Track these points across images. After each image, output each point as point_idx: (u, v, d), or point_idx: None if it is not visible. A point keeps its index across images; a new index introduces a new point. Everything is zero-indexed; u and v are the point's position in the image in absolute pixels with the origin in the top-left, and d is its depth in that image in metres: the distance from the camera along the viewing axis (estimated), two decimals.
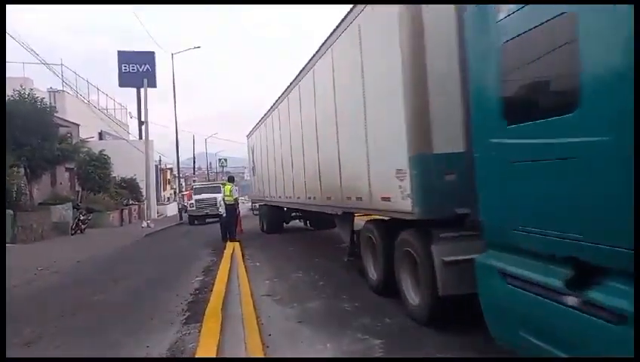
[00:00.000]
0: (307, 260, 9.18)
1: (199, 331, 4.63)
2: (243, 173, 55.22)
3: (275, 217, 14.88)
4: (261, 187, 16.06)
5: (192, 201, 25.49)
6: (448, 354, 3.86)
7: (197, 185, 29.89)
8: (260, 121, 15.67)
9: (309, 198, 9.28)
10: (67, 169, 24.40)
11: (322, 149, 8.12)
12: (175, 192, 41.69)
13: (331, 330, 4.65)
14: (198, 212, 24.60)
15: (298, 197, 10.31)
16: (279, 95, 11.94)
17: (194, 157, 49.65)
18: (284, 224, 14.98)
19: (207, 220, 23.59)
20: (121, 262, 11.39)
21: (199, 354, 3.81)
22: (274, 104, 12.75)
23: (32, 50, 16.38)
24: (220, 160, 54.78)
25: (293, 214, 14.11)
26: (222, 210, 13.78)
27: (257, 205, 18.29)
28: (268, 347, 4.25)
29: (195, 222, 24.54)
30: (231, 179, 15.68)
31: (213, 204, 22.84)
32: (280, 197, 12.53)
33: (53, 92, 27.53)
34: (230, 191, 13.76)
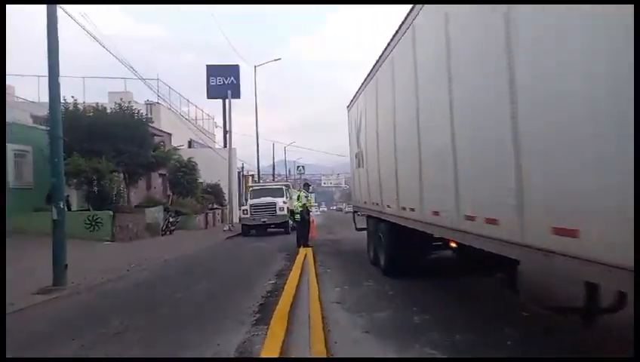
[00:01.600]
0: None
1: (267, 333, 4.75)
2: (320, 179, 56.04)
3: (402, 245, 7.79)
4: (373, 188, 9.40)
5: (246, 207, 20.52)
6: None
7: (255, 186, 25.71)
8: (369, 75, 9.40)
9: None
10: (160, 175, 26.49)
11: None
12: None
13: (399, 342, 4.52)
14: (252, 220, 19.83)
15: None
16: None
17: (273, 165, 51.50)
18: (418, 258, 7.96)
19: (269, 230, 19.86)
20: (204, 262, 12.06)
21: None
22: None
23: (130, 66, 17.99)
24: (298, 167, 56.28)
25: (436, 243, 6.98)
26: (297, 217, 14.12)
27: (360, 215, 11.72)
28: (332, 355, 4.23)
29: (253, 232, 19.87)
30: (306, 186, 15.99)
31: (272, 210, 19.66)
32: (440, 213, 5.45)
33: (149, 104, 30.07)
34: (299, 197, 14.20)
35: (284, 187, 22.80)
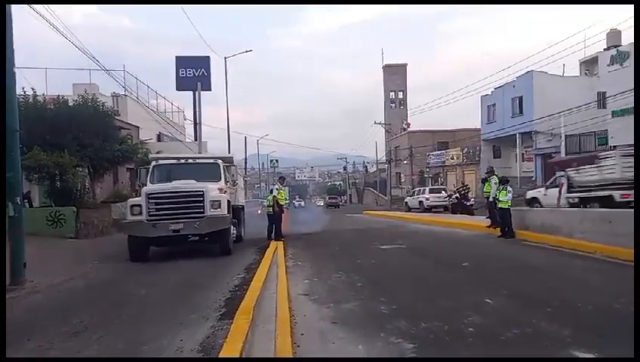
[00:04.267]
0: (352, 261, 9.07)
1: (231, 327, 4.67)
2: (294, 173, 55.97)
3: None
4: None
5: (139, 200, 10.16)
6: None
7: (161, 158, 12.75)
8: None
9: None
10: (128, 169, 25.78)
11: None
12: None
13: (365, 332, 4.53)
14: (152, 228, 9.75)
15: None
16: None
17: (245, 158, 51.03)
18: None
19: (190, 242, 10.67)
20: (171, 257, 11.78)
21: (224, 352, 3.82)
22: None
23: (94, 57, 17.37)
24: (271, 161, 55.99)
25: None
26: (269, 210, 14.02)
27: None
28: (298, 346, 4.20)
29: (154, 248, 10.79)
30: (281, 180, 15.90)
31: (197, 205, 9.95)
32: None
33: (116, 96, 29.19)
34: (271, 191, 14.38)
35: (220, 162, 11.98)
